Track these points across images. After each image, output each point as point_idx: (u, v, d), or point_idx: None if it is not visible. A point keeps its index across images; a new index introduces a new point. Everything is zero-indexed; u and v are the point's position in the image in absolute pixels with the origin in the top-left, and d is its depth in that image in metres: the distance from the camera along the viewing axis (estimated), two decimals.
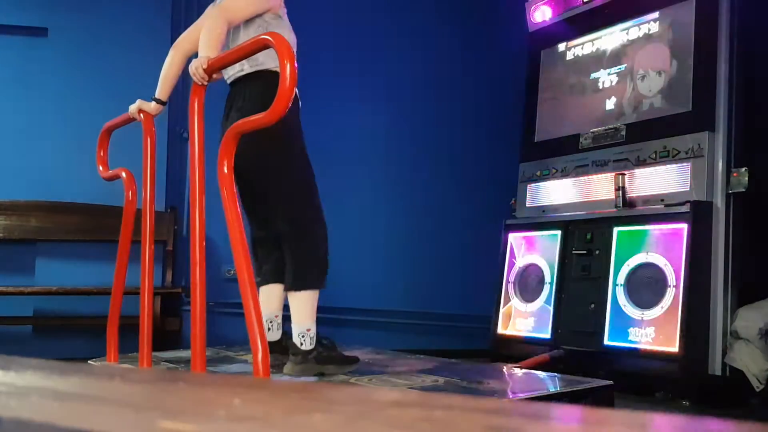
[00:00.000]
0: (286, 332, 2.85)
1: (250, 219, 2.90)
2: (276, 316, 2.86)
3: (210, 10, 2.76)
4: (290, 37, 2.67)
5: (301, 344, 2.62)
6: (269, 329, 2.81)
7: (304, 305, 2.64)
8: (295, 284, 2.65)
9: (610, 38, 4.07)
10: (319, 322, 2.76)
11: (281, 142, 2.66)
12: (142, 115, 2.83)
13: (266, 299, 2.82)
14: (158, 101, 2.85)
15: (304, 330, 2.63)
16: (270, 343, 2.68)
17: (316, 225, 2.72)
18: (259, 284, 2.83)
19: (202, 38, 2.51)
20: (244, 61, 2.61)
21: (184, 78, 2.80)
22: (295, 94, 2.61)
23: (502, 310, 4.16)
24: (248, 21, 2.66)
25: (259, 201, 2.82)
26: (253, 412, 0.68)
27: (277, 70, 2.56)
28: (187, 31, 2.90)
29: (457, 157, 5.25)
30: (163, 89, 2.84)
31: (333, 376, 2.65)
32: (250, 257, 2.42)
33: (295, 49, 2.70)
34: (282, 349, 2.81)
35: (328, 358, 2.66)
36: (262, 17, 2.67)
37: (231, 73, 2.75)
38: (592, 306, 3.62)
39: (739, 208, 3.37)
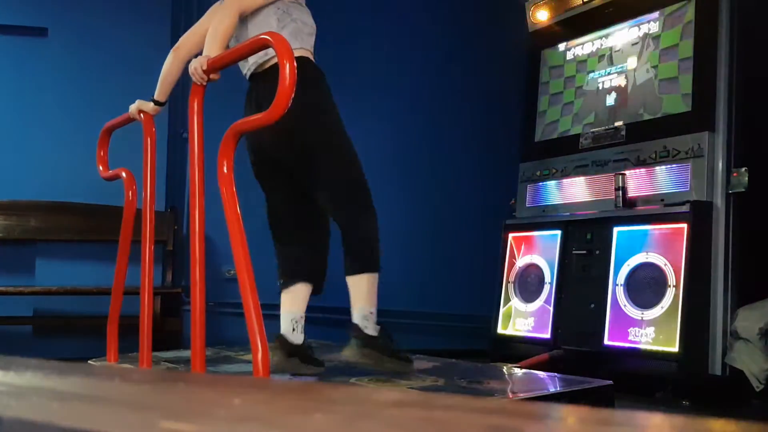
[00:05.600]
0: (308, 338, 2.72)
1: (275, 210, 2.77)
2: (301, 317, 2.68)
3: (217, 6, 2.74)
4: (310, 22, 2.70)
5: (365, 327, 2.52)
6: (294, 330, 2.64)
7: (364, 288, 2.54)
8: (353, 268, 2.55)
9: (610, 38, 4.07)
10: (321, 321, 2.75)
11: (331, 124, 2.63)
12: (142, 115, 2.84)
13: (291, 299, 2.68)
14: (156, 102, 2.85)
15: (367, 313, 2.54)
16: (292, 345, 2.59)
17: (370, 208, 2.64)
18: (283, 286, 2.71)
19: (210, 33, 2.51)
20: (268, 49, 2.39)
21: (184, 78, 2.80)
22: (322, 74, 2.64)
23: (502, 310, 4.15)
24: (265, 7, 2.60)
25: (307, 185, 2.69)
26: (253, 412, 0.68)
27: (302, 54, 2.54)
28: (187, 34, 2.88)
29: (457, 157, 5.24)
30: (161, 90, 2.85)
31: (390, 371, 2.55)
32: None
33: (314, 36, 2.71)
34: (303, 355, 2.64)
35: (391, 352, 2.56)
36: (284, 1, 2.64)
37: (253, 60, 2.61)
38: (592, 306, 3.62)
39: (739, 208, 3.37)
